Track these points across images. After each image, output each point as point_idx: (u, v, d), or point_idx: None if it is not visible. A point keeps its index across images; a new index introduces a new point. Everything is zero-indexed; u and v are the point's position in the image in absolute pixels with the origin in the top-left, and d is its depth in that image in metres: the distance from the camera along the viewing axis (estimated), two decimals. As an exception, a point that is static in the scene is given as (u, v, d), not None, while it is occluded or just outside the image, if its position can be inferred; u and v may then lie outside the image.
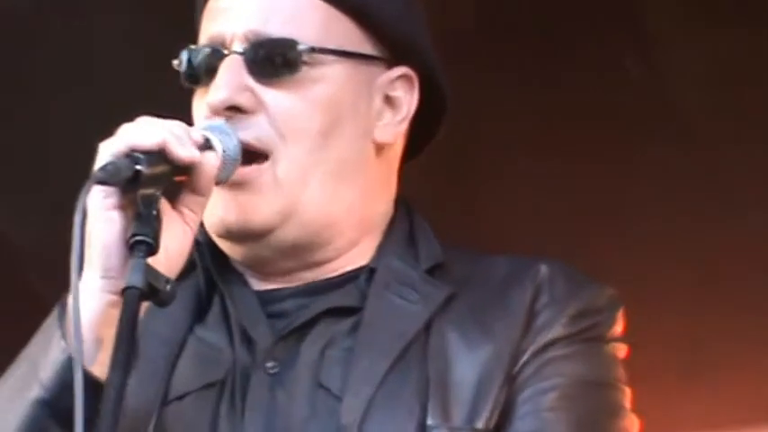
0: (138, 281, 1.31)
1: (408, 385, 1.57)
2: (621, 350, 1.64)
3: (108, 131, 1.45)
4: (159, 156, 1.38)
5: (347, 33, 1.61)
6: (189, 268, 1.57)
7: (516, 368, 1.56)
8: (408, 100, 1.65)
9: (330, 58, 1.58)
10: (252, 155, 1.54)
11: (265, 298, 1.62)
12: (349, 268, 1.63)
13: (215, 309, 1.64)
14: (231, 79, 1.55)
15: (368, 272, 1.63)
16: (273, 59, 1.57)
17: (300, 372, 1.58)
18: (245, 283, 1.64)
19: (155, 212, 1.35)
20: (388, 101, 1.63)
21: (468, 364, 1.57)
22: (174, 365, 1.57)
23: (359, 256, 1.64)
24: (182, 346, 1.56)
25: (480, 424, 1.54)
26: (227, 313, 1.62)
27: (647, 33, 3.35)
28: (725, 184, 3.53)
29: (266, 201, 1.56)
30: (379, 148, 1.65)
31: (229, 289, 1.63)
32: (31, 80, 3.54)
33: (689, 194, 3.52)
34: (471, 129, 3.20)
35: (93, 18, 3.25)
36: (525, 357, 1.56)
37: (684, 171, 3.56)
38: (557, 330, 1.58)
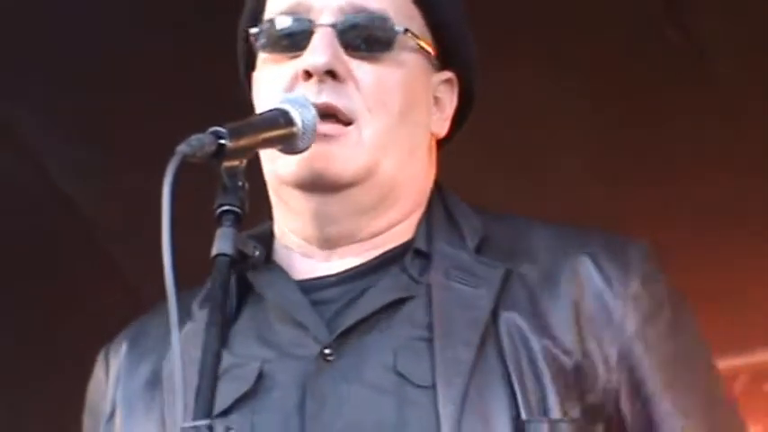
0: (227, 248, 1.36)
1: (494, 377, 1.58)
2: (678, 293, 1.68)
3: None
4: (242, 129, 1.43)
5: (421, 29, 1.67)
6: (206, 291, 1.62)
7: (601, 362, 1.59)
8: (450, 101, 1.73)
9: (413, 45, 1.64)
10: (335, 115, 1.58)
11: (307, 287, 1.64)
12: (391, 246, 1.66)
13: (245, 316, 1.66)
14: (329, 47, 1.59)
15: (413, 253, 1.65)
16: (369, 35, 1.62)
17: (367, 359, 1.58)
18: (285, 277, 1.65)
19: (240, 183, 1.40)
20: (435, 100, 1.69)
21: (538, 353, 1.58)
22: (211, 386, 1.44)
23: (402, 232, 1.67)
24: (215, 362, 1.46)
25: (575, 413, 1.57)
26: (261, 315, 1.64)
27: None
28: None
29: (353, 155, 1.60)
30: (433, 138, 1.71)
31: (269, 282, 1.65)
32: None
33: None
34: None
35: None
36: (623, 350, 1.60)
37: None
38: (632, 320, 1.61)
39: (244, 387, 1.57)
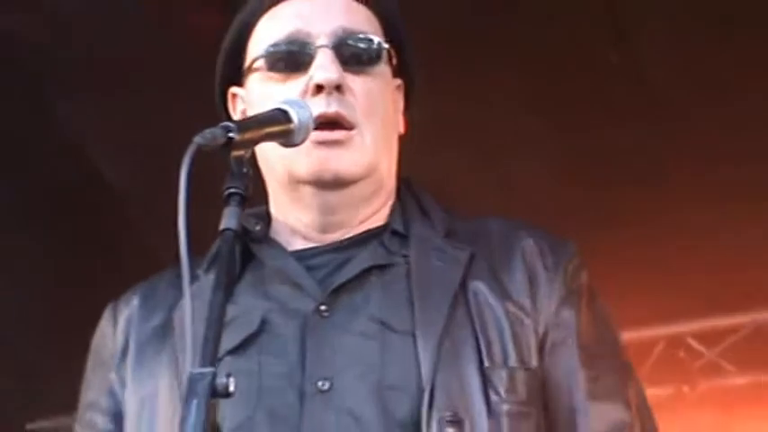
0: (233, 224, 1.59)
1: (464, 332, 1.84)
2: (592, 286, 1.97)
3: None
4: (248, 124, 1.67)
5: (385, 43, 1.93)
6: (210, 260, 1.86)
7: (540, 323, 1.87)
8: (401, 104, 2.01)
9: (386, 58, 1.91)
10: (341, 123, 1.84)
11: (299, 256, 1.89)
12: (372, 226, 1.92)
13: (247, 278, 1.89)
14: (335, 64, 1.84)
15: (390, 232, 1.92)
16: (360, 53, 1.88)
17: (356, 311, 1.84)
18: (282, 249, 1.90)
19: (245, 170, 1.62)
20: (394, 104, 1.96)
21: (503, 322, 1.84)
22: (216, 333, 1.62)
23: (377, 218, 1.94)
24: (220, 314, 1.65)
25: (532, 363, 1.84)
26: (265, 275, 1.88)
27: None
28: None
29: (360, 157, 1.86)
30: (397, 131, 1.98)
31: (272, 250, 1.90)
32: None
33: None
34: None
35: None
36: (546, 325, 1.87)
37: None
38: (559, 298, 1.89)
39: (249, 330, 1.82)
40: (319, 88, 1.83)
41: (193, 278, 1.75)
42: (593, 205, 4.46)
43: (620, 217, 4.59)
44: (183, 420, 1.45)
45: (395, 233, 1.91)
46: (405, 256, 1.88)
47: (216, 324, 1.53)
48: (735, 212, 4.65)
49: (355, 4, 1.91)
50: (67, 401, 2.46)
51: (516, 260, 1.90)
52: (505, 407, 1.79)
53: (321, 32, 1.87)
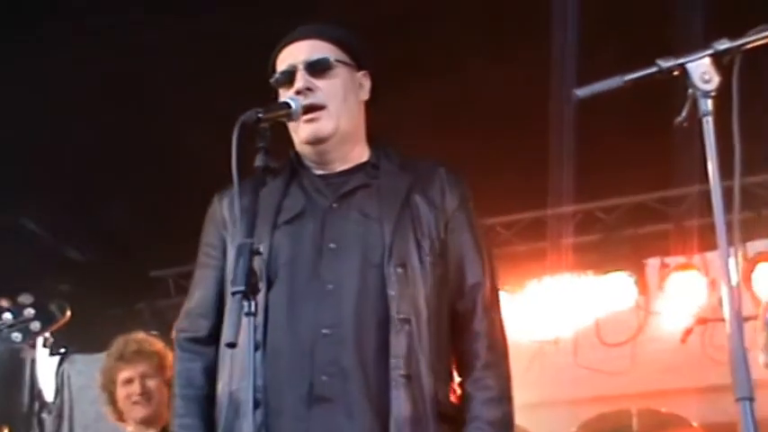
0: (261, 163, 2.74)
1: (406, 220, 3.02)
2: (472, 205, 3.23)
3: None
4: (268, 109, 2.83)
5: (341, 55, 3.11)
6: (274, 173, 3.02)
7: (446, 216, 3.09)
8: (367, 85, 3.22)
9: (340, 65, 3.10)
10: (316, 107, 3.01)
11: (322, 176, 3.13)
12: (356, 163, 3.15)
13: (295, 185, 3.11)
14: (303, 78, 3.04)
15: (370, 166, 3.13)
16: (319, 66, 3.08)
17: (351, 208, 3.04)
18: (311, 171, 3.11)
19: (267, 134, 2.77)
20: (361, 86, 3.14)
21: (428, 215, 3.06)
22: (279, 211, 3.03)
23: (358, 157, 3.17)
24: (281, 204, 3.04)
25: (441, 236, 3.07)
26: (304, 186, 3.09)
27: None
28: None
29: (328, 123, 3.08)
30: (362, 104, 3.20)
31: (307, 173, 3.12)
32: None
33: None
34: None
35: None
36: (448, 218, 3.08)
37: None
38: (456, 205, 3.11)
39: (295, 212, 3.07)
40: (298, 91, 3.03)
41: (261, 184, 2.80)
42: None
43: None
44: (236, 266, 2.56)
45: (373, 166, 3.13)
46: (377, 179, 3.10)
47: (252, 215, 2.68)
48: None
49: (318, 41, 3.08)
50: (185, 255, 3.46)
51: (435, 182, 3.11)
52: (428, 258, 3.03)
53: (298, 61, 3.10)
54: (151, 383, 4.72)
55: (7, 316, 3.06)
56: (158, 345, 4.84)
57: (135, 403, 4.70)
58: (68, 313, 3.05)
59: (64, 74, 5.03)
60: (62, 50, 4.89)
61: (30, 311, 3.06)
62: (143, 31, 4.79)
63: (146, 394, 4.70)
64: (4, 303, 3.06)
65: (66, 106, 5.25)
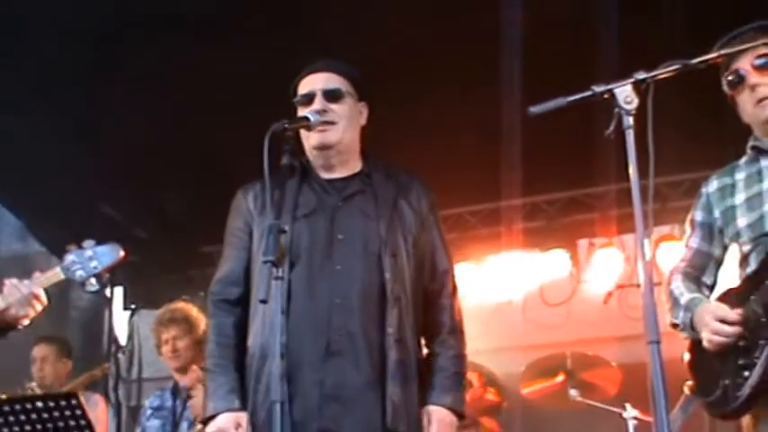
0: (288, 161, 2.80)
1: (395, 221, 3.10)
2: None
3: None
4: (292, 121, 2.86)
5: (349, 87, 3.14)
6: (292, 173, 3.05)
7: (421, 218, 3.12)
8: (365, 113, 3.26)
9: (348, 95, 3.12)
10: (328, 123, 3.04)
11: (327, 180, 3.17)
12: (353, 171, 3.20)
13: (306, 186, 3.12)
14: (321, 102, 3.07)
15: (364, 175, 3.16)
16: (334, 94, 3.10)
17: (354, 207, 3.09)
18: (318, 175, 3.14)
19: (292, 141, 2.83)
20: (361, 113, 3.16)
21: (410, 216, 3.09)
22: (297, 206, 3.05)
23: (355, 167, 3.21)
24: (297, 200, 3.05)
25: (415, 233, 3.10)
26: (313, 186, 3.09)
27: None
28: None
29: (335, 135, 3.16)
30: (359, 127, 3.18)
31: (315, 176, 3.12)
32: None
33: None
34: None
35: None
36: (423, 219, 3.13)
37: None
38: (428, 209, 3.14)
39: (311, 208, 3.11)
40: (316, 111, 3.05)
41: (287, 178, 2.97)
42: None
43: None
44: (267, 241, 2.63)
45: (366, 175, 3.15)
46: (370, 186, 3.13)
47: (279, 205, 2.77)
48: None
49: (333, 74, 3.12)
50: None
51: (413, 190, 3.15)
52: (411, 250, 3.09)
53: (317, 88, 3.11)
54: (180, 344, 4.88)
55: (71, 257, 2.94)
56: (190, 311, 4.94)
57: (169, 358, 4.92)
58: (122, 253, 2.93)
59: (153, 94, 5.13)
60: (160, 75, 5.03)
61: (89, 253, 2.95)
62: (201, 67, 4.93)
63: (176, 351, 4.88)
64: (72, 247, 2.95)
65: (146, 115, 5.32)
